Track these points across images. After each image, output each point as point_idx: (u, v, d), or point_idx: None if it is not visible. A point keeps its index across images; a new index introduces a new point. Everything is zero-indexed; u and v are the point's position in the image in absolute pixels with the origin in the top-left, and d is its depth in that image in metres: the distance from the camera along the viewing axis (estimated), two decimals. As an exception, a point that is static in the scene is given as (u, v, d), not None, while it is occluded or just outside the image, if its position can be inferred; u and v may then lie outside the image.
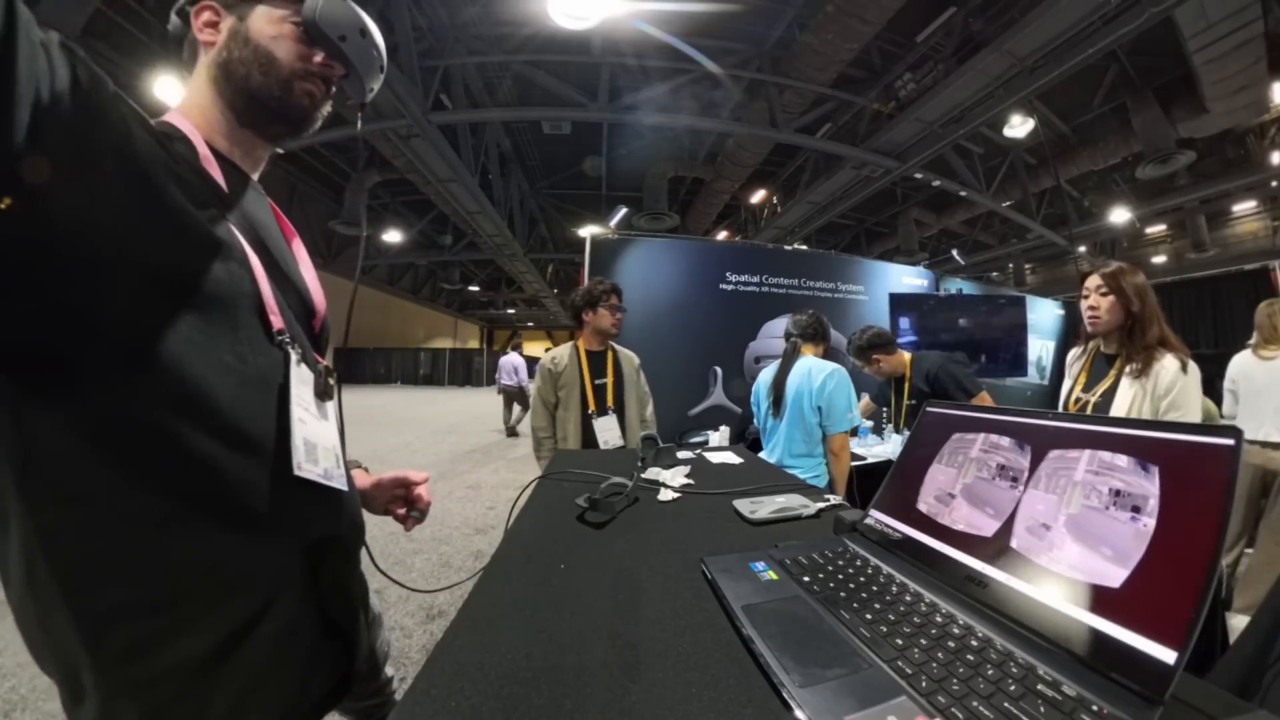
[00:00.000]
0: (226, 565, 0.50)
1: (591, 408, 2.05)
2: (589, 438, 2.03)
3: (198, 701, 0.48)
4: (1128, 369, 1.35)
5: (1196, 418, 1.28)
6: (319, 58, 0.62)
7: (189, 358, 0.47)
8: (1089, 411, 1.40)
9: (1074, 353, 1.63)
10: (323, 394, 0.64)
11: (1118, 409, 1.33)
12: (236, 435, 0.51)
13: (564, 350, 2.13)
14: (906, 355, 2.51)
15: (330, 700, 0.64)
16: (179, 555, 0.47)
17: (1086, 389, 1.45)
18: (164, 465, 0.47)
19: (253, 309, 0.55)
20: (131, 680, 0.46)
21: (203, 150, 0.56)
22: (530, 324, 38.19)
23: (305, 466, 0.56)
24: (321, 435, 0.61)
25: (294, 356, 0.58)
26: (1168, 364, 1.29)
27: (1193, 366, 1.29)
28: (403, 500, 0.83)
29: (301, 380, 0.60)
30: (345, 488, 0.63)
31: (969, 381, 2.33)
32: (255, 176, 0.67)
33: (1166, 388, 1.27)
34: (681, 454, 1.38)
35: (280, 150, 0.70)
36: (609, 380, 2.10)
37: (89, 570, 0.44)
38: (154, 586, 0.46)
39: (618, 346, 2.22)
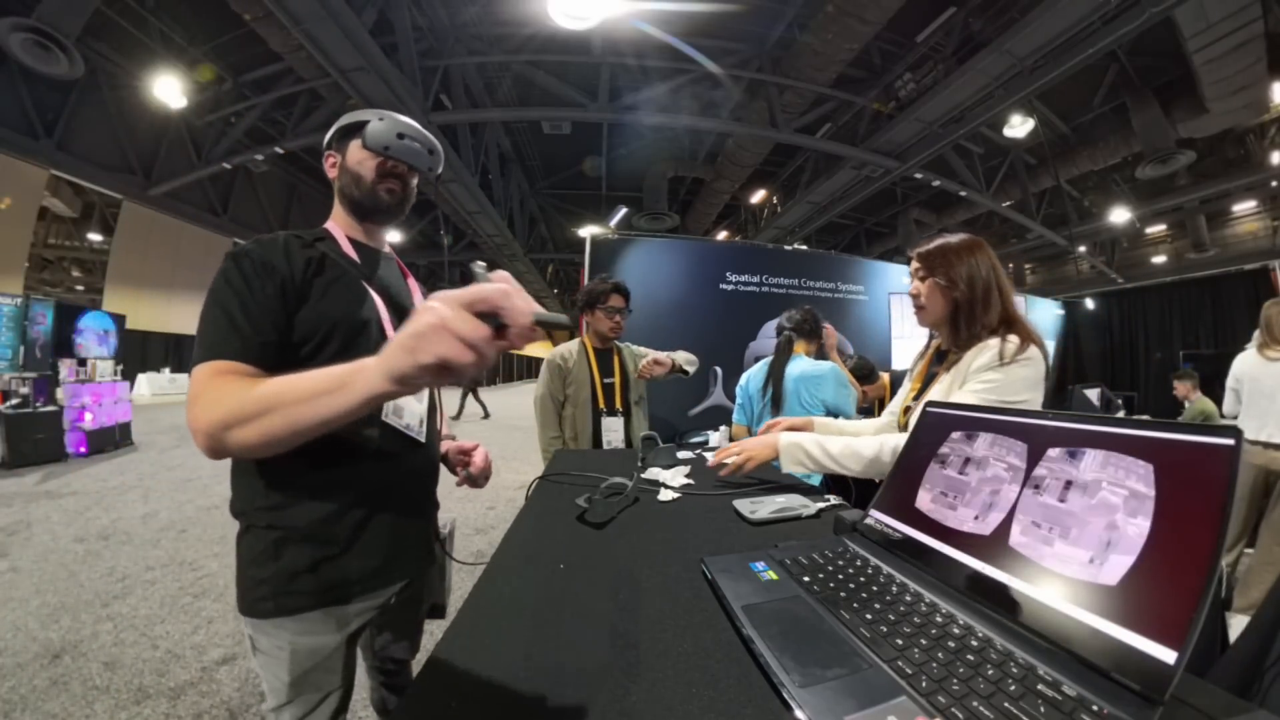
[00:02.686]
0: (340, 467, 0.81)
1: (601, 405, 2.03)
2: (599, 437, 2.01)
3: (308, 543, 0.79)
4: (945, 368, 1.08)
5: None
6: (385, 164, 0.91)
7: (331, 355, 0.80)
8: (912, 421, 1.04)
9: (916, 354, 1.31)
10: None
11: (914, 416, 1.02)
12: None
13: (573, 346, 2.09)
14: (886, 377, 2.58)
15: (373, 584, 0.86)
16: (314, 459, 0.77)
17: (919, 396, 1.14)
18: None
19: (378, 328, 0.87)
20: (283, 518, 0.79)
21: (343, 242, 0.91)
22: (530, 324, 38.11)
23: (390, 418, 0.87)
24: (410, 403, 0.91)
25: None
26: (988, 345, 1.01)
27: (1027, 361, 0.98)
28: (464, 463, 1.07)
29: None
30: (423, 440, 0.91)
31: None
32: (386, 248, 1.01)
33: (974, 372, 1.00)
34: (681, 454, 1.38)
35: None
36: (616, 380, 2.07)
37: (272, 456, 0.72)
38: (298, 473, 0.79)
39: (623, 346, 2.17)
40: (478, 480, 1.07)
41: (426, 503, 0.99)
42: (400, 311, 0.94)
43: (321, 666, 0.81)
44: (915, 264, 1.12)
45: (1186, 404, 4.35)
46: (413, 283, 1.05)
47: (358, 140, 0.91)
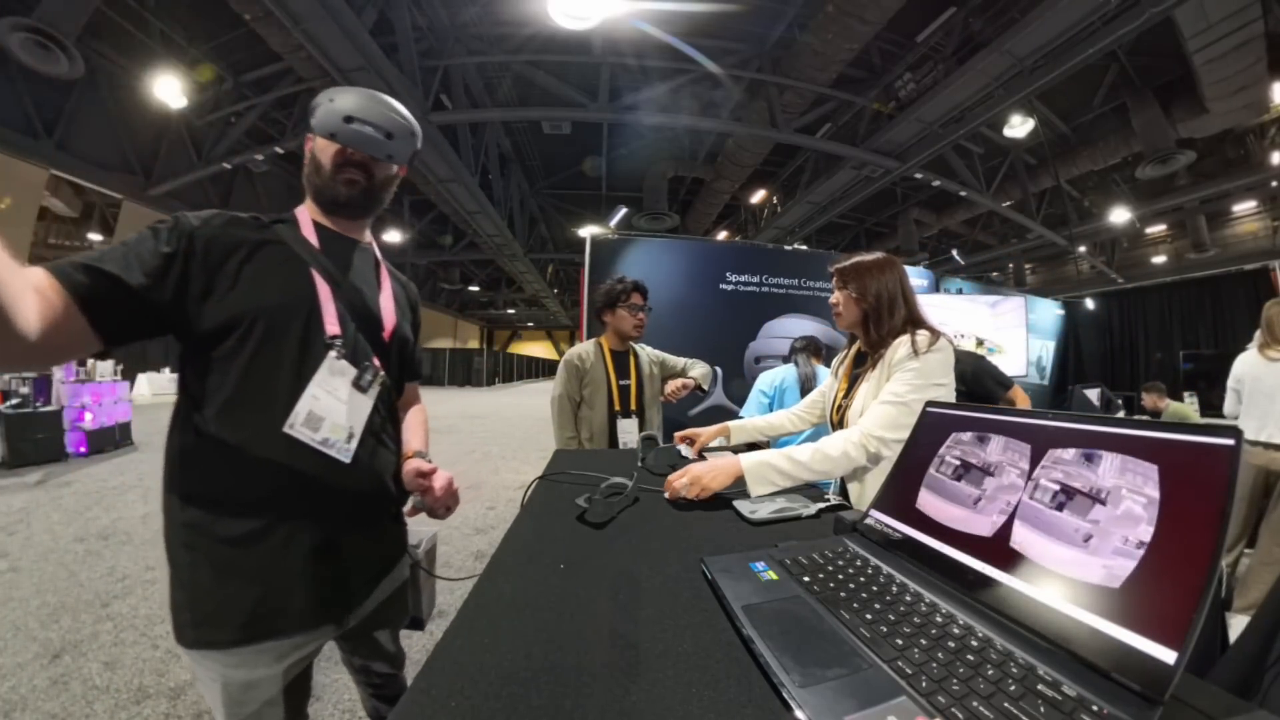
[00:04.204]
0: (241, 483, 0.73)
1: (617, 406, 2.03)
2: (615, 438, 2.01)
3: (223, 570, 0.72)
4: (869, 367, 1.23)
5: (931, 394, 1.08)
6: (341, 150, 0.81)
7: (249, 352, 0.73)
8: (846, 417, 1.24)
9: (840, 355, 1.46)
10: (360, 386, 0.82)
11: (852, 412, 1.21)
12: (260, 400, 0.74)
13: (590, 347, 2.09)
14: None
15: (312, 620, 0.78)
16: (220, 475, 0.73)
17: (848, 393, 1.29)
18: (217, 415, 0.73)
19: (313, 317, 0.78)
20: (195, 539, 0.72)
21: (305, 226, 0.84)
22: (530, 324, 38.19)
23: (299, 429, 0.74)
24: (334, 412, 0.78)
25: (333, 354, 0.79)
26: (899, 342, 1.16)
27: (938, 350, 1.12)
28: (421, 488, 0.89)
29: (336, 371, 0.79)
30: (345, 459, 0.78)
31: (1004, 377, 2.40)
32: (357, 235, 0.92)
33: (896, 364, 1.13)
34: (684, 451, 1.37)
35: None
36: (632, 382, 2.08)
37: (184, 467, 0.75)
38: (208, 491, 0.73)
39: (639, 348, 2.19)
40: (436, 511, 0.89)
41: (371, 528, 0.87)
42: (356, 305, 0.84)
43: (261, 699, 0.74)
44: (834, 278, 1.29)
45: (1162, 413, 4.31)
46: (386, 278, 0.95)
47: None
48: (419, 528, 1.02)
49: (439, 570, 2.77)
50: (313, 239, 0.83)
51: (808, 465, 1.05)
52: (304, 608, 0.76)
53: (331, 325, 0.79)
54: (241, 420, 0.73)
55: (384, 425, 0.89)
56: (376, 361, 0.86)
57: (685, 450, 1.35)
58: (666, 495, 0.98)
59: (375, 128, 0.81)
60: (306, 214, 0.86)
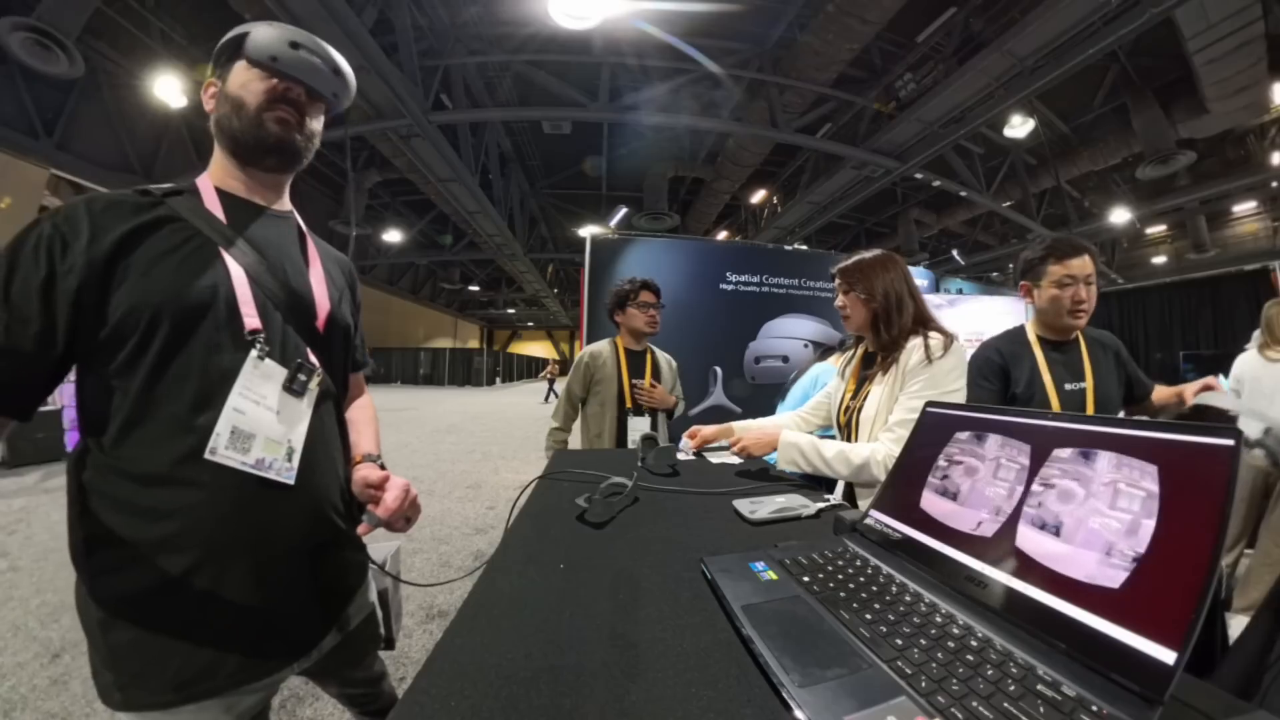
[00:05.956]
0: (152, 523, 0.62)
1: (629, 404, 2.05)
2: (624, 436, 2.03)
3: (140, 624, 0.62)
4: (880, 370, 1.21)
5: (954, 399, 1.08)
6: (274, 84, 0.71)
7: (150, 362, 0.62)
8: (856, 419, 1.22)
9: (845, 356, 1.43)
10: (294, 389, 0.71)
11: (865, 415, 1.19)
12: (168, 422, 0.63)
13: (605, 346, 2.12)
14: None
15: (259, 671, 0.68)
16: (131, 509, 0.62)
17: (855, 394, 1.27)
18: (117, 444, 0.62)
19: (227, 307, 0.67)
20: (102, 588, 0.61)
21: (207, 196, 0.71)
22: (530, 324, 38.22)
23: (224, 453, 0.63)
24: (266, 426, 0.67)
25: (255, 354, 0.67)
26: (912, 346, 1.13)
27: (951, 355, 1.11)
28: (372, 499, 0.78)
29: (263, 375, 0.68)
30: (288, 480, 0.68)
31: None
32: (275, 204, 0.79)
33: (910, 372, 1.11)
34: (682, 455, 1.38)
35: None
36: (646, 381, 2.09)
37: (84, 507, 0.62)
38: (115, 530, 0.61)
39: (656, 349, 2.21)
40: (392, 524, 0.78)
41: (324, 555, 0.75)
42: (280, 290, 0.72)
43: None
44: (838, 280, 1.27)
45: None
46: (315, 252, 0.82)
47: (243, 60, 0.71)
48: (378, 541, 0.91)
49: (436, 573, 2.77)
50: (218, 212, 0.70)
51: (827, 461, 1.12)
52: (247, 660, 0.66)
53: (251, 318, 0.67)
54: (147, 448, 0.62)
55: (329, 432, 0.78)
56: (312, 356, 0.75)
57: (685, 444, 1.37)
58: (730, 447, 1.27)
59: (323, 60, 0.72)
60: (209, 183, 0.73)
